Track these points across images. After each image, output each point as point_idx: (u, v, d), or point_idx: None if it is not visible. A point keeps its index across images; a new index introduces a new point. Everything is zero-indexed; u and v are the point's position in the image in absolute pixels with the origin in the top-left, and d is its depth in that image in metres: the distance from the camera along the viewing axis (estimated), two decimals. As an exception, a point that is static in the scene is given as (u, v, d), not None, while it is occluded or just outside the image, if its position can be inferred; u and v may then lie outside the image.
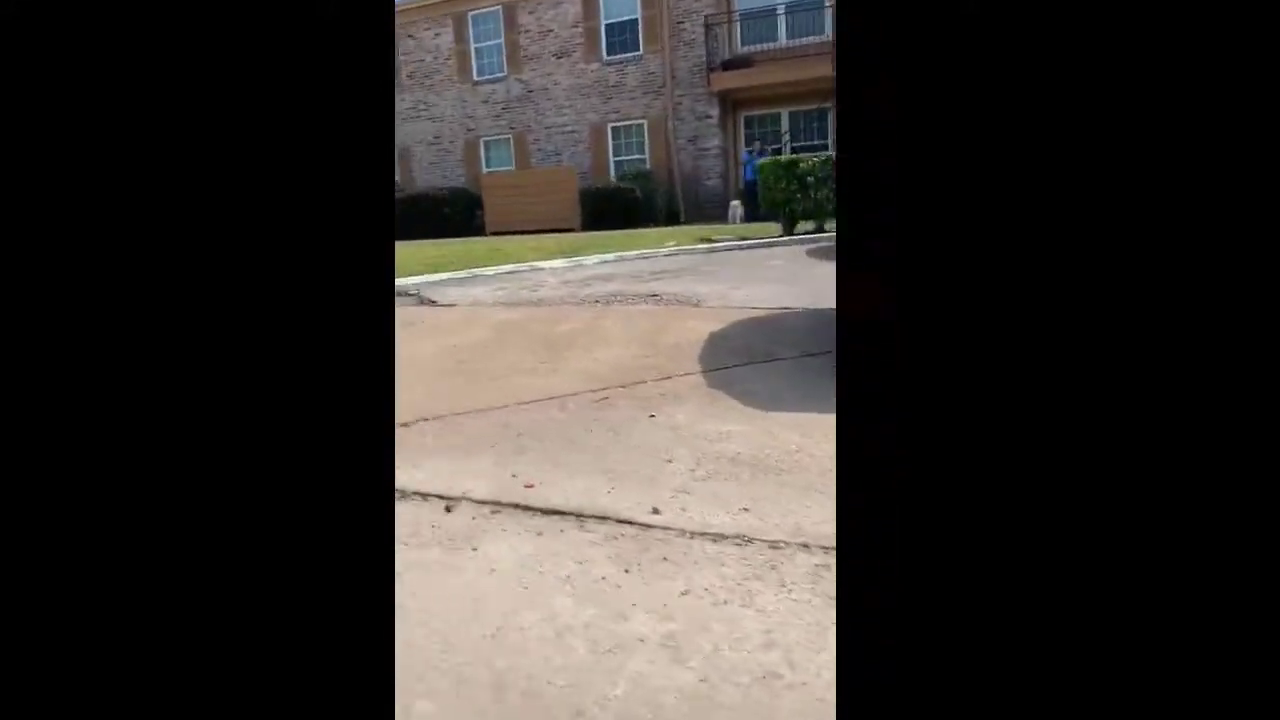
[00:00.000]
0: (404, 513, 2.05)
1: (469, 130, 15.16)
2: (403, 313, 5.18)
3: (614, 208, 12.25)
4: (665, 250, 7.76)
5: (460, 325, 4.51)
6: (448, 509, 2.05)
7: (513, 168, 14.68)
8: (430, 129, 15.50)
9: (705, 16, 12.95)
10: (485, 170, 14.98)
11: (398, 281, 6.55)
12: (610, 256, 7.46)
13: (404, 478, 2.29)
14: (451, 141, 15.34)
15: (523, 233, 12.40)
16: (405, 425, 2.79)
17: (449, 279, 6.75)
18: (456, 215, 13.75)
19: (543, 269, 7.11)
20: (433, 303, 5.47)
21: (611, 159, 14.07)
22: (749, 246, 7.65)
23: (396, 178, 15.66)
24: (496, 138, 15.03)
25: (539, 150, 14.59)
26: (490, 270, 6.99)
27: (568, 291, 5.50)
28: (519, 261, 7.32)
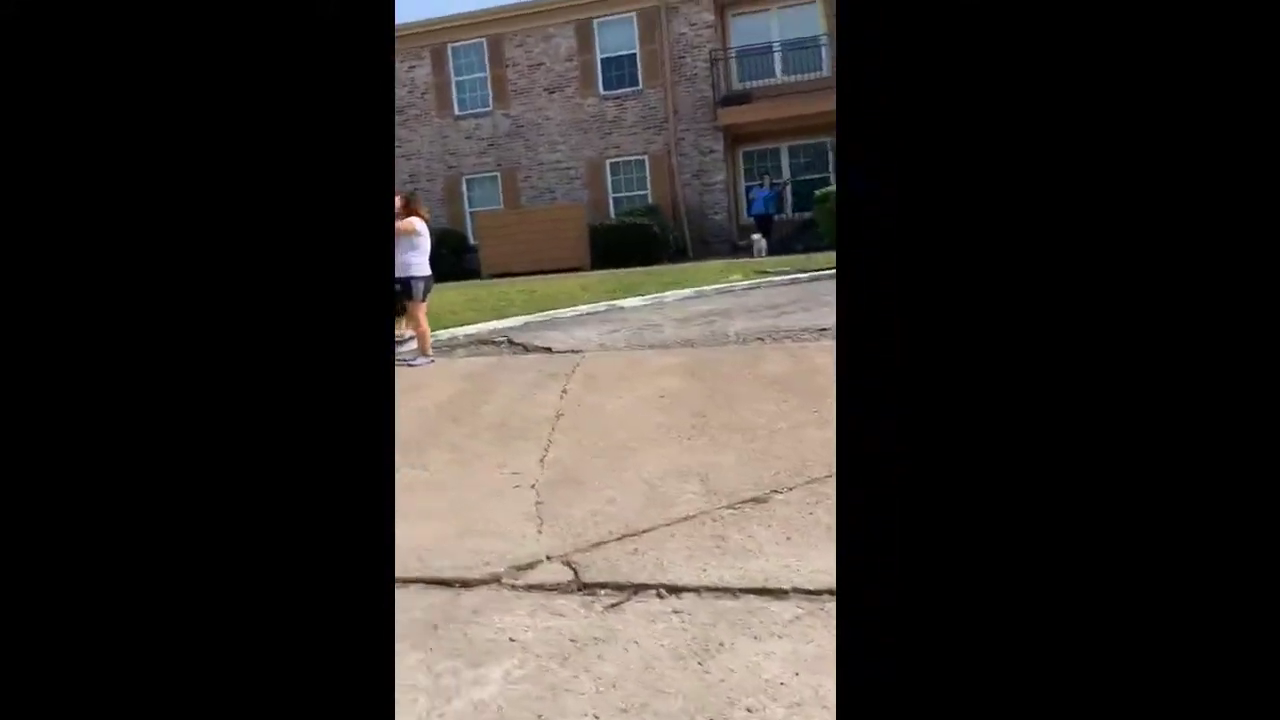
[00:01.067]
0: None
1: (450, 168, 14.57)
2: (527, 362, 4.57)
3: (627, 244, 11.91)
4: (740, 285, 7.42)
5: (629, 373, 3.96)
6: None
7: (500, 206, 14.14)
8: (405, 167, 14.80)
9: (710, 51, 13.00)
10: (469, 209, 14.36)
11: (468, 329, 5.90)
12: (688, 292, 7.05)
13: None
14: (430, 180, 14.67)
15: (524, 274, 11.85)
16: (760, 501, 2.25)
17: (528, 323, 6.16)
18: (448, 257, 13.03)
19: (625, 308, 6.64)
20: (545, 350, 4.89)
21: (611, 195, 13.79)
22: (817, 278, 7.38)
23: (365, 219, 14.85)
24: (481, 175, 14.49)
25: (530, 188, 14.13)
26: (566, 312, 6.46)
27: (701, 331, 5.03)
28: (582, 303, 6.81)
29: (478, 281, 11.58)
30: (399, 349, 5.37)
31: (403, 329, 5.49)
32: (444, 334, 5.66)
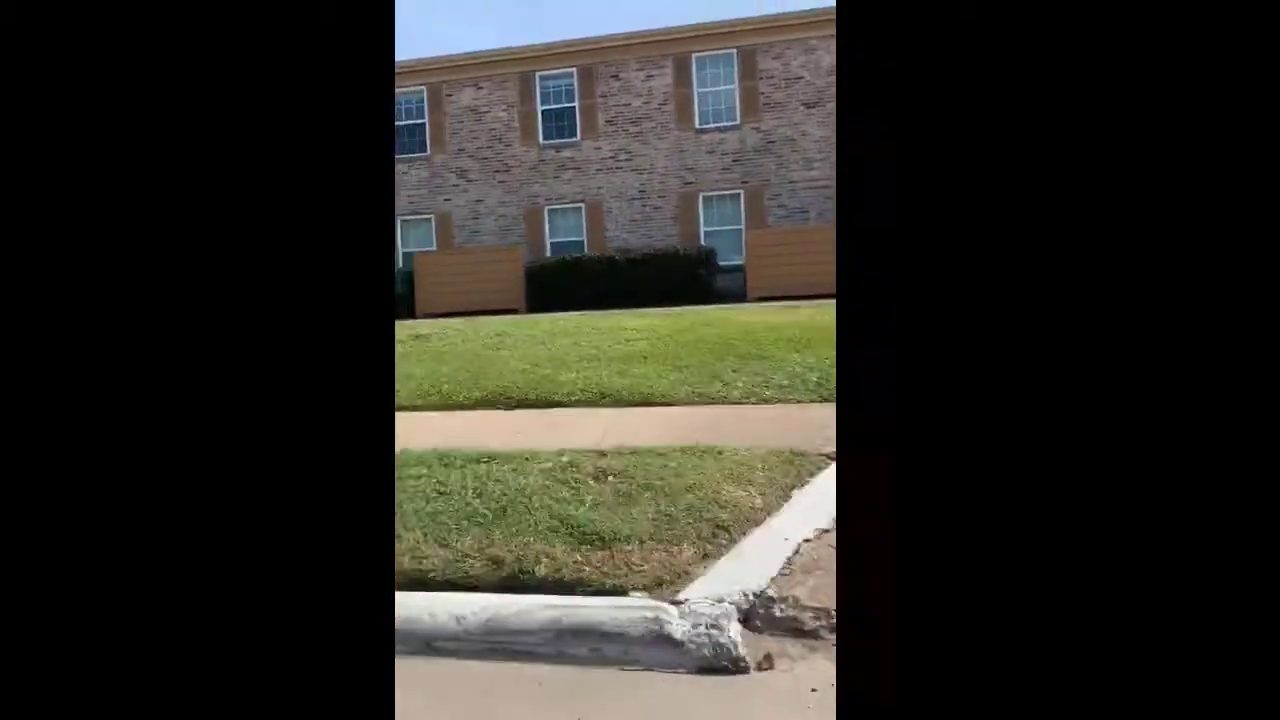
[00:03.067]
0: None
1: (686, 184, 14.28)
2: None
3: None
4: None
5: None
6: None
7: (740, 226, 13.74)
8: (634, 181, 14.59)
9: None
10: (705, 228, 14.01)
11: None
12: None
13: None
14: (662, 196, 14.42)
15: (793, 298, 11.30)
16: None
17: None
18: (705, 276, 12.65)
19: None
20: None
21: (874, 218, 13.21)
22: None
23: (581, 236, 14.66)
24: (723, 192, 14.15)
25: (779, 207, 13.72)
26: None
27: None
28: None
29: (743, 305, 11.11)
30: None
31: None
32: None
